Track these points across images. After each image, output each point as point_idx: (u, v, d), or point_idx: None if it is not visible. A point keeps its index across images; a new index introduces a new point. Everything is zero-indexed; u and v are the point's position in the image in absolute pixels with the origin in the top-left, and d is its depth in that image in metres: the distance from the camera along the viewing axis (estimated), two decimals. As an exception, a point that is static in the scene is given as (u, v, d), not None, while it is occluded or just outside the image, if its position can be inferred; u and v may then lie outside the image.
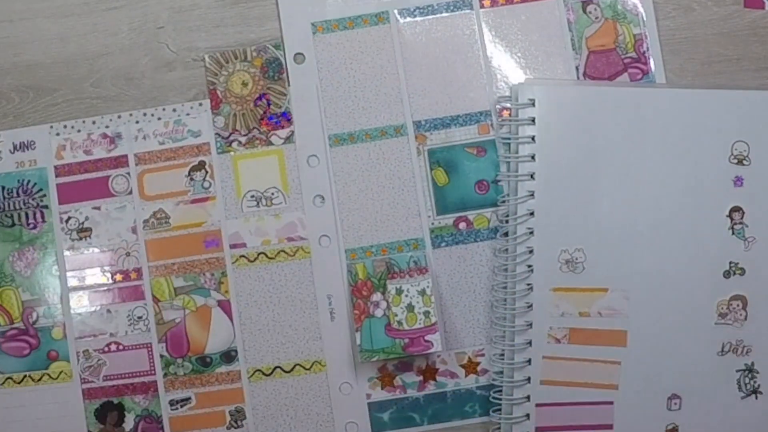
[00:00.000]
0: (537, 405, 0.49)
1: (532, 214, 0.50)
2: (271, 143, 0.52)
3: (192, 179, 0.52)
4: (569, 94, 0.50)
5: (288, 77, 0.51)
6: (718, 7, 0.52)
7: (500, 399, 0.49)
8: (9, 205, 0.51)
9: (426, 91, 0.52)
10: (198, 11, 0.51)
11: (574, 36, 0.51)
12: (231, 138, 0.52)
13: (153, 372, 0.52)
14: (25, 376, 0.52)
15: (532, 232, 0.50)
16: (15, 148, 0.51)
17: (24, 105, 0.51)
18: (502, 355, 0.50)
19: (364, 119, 0.52)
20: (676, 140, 0.50)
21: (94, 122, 0.51)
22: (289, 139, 0.52)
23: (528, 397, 0.50)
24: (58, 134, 0.51)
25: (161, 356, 0.52)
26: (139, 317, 0.52)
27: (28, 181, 0.51)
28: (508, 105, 0.50)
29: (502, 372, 0.50)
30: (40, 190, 0.51)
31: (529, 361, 0.49)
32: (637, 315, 0.49)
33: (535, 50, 0.52)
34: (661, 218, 0.50)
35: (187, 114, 0.51)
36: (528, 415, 0.50)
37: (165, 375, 0.52)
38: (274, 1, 0.51)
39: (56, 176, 0.51)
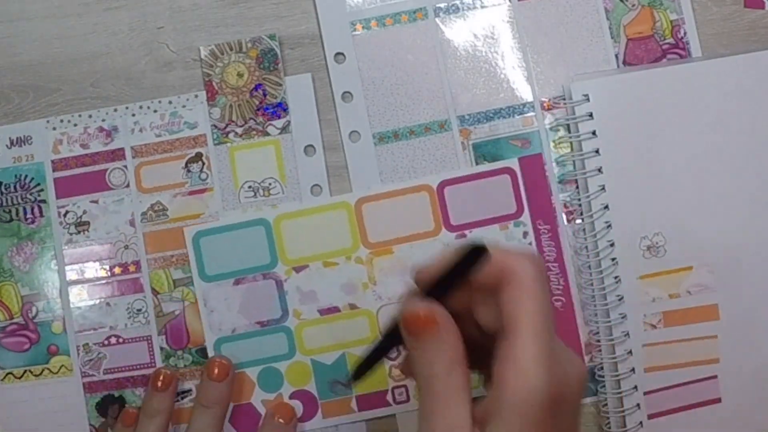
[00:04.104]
0: (645, 393, 0.53)
1: (606, 207, 0.52)
2: (267, 134, 0.54)
3: (189, 171, 0.54)
4: (620, 83, 0.53)
5: (284, 68, 0.54)
6: (718, 7, 0.55)
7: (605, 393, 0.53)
8: (7, 200, 0.55)
9: (468, 85, 0.54)
10: (198, 11, 0.55)
11: (612, 24, 0.55)
12: (227, 129, 0.54)
13: (153, 364, 0.54)
14: (25, 371, 0.54)
15: (609, 226, 0.52)
16: (12, 143, 0.55)
17: (24, 105, 0.54)
18: (599, 350, 0.53)
19: (407, 116, 0.54)
20: (735, 109, 0.53)
21: (90, 116, 0.55)
22: (285, 129, 0.54)
23: (635, 387, 0.53)
24: (54, 128, 0.55)
25: (161, 348, 0.54)
26: (139, 310, 0.54)
27: (26, 176, 0.55)
28: (563, 103, 0.54)
29: (602, 367, 0.53)
30: (38, 184, 0.54)
31: (630, 351, 0.53)
32: (725, 287, 0.53)
33: (574, 40, 0.55)
34: (732, 189, 0.52)
35: (183, 106, 0.54)
36: (638, 405, 0.53)
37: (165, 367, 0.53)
38: (274, 1, 0.55)
39: (53, 171, 0.55)
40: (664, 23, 0.54)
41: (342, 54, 0.54)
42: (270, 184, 0.54)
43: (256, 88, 0.54)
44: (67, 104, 0.54)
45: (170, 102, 0.54)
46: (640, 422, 0.52)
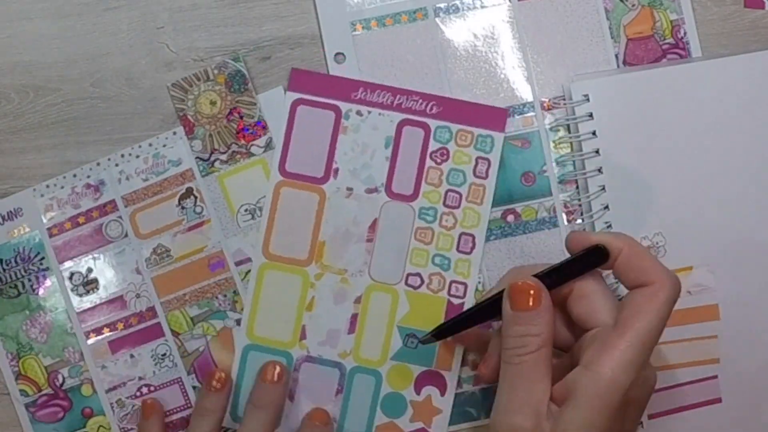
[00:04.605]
0: None
1: (606, 207, 0.53)
2: (252, 154, 0.55)
3: (183, 208, 0.55)
4: (620, 83, 0.53)
5: (254, 87, 0.55)
6: (718, 7, 0.55)
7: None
8: (10, 276, 0.55)
9: (468, 85, 0.55)
10: (198, 11, 0.55)
11: (612, 24, 0.55)
12: (212, 158, 0.55)
13: (189, 405, 0.55)
14: None
15: (610, 226, 0.53)
16: (3, 218, 0.55)
17: (24, 105, 0.55)
18: None
19: None
20: (735, 109, 0.53)
21: (74, 175, 0.55)
22: (268, 146, 0.55)
23: None
24: (42, 195, 0.55)
25: (194, 387, 0.54)
26: (163, 354, 0.54)
27: (24, 248, 0.55)
28: (563, 103, 0.54)
29: None
30: (38, 254, 0.55)
31: None
32: (726, 287, 0.53)
33: (574, 40, 0.55)
34: (734, 189, 0.53)
35: (164, 145, 0.55)
36: None
37: (202, 405, 0.55)
38: (274, 1, 0.55)
39: (50, 237, 0.55)
40: (664, 23, 0.55)
41: (342, 54, 0.54)
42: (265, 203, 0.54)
43: (231, 113, 0.54)
44: (68, 104, 0.55)
45: (150, 144, 0.55)
46: (641, 422, 0.53)
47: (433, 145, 0.53)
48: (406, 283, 0.53)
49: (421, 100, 0.53)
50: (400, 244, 0.53)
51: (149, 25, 0.54)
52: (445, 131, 0.53)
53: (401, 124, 0.53)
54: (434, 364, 0.53)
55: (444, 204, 0.53)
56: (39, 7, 0.55)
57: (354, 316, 0.53)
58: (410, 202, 0.53)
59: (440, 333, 0.49)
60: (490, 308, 0.46)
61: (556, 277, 0.45)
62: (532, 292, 0.43)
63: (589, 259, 0.44)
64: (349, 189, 0.53)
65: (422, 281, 0.53)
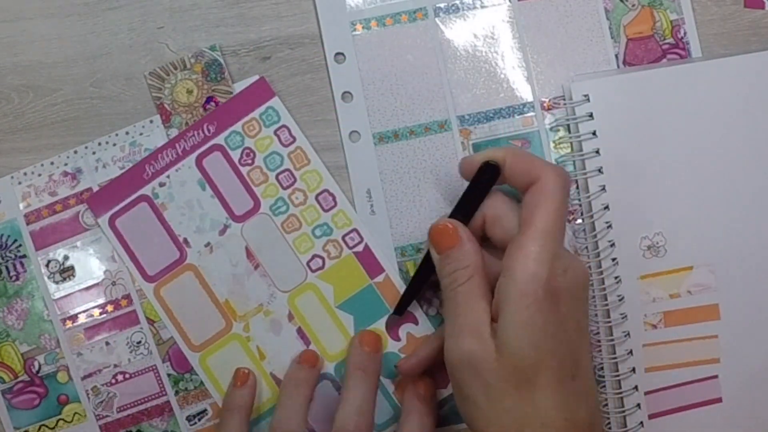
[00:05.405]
0: (646, 393, 0.54)
1: (606, 207, 0.53)
2: None
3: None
4: (620, 83, 0.54)
5: (230, 76, 0.55)
6: (718, 7, 0.56)
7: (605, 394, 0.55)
8: None
9: (468, 85, 0.55)
10: (198, 11, 0.55)
11: (612, 24, 0.55)
12: None
13: (164, 393, 0.55)
14: (40, 426, 0.55)
15: (610, 226, 0.53)
16: None
17: (24, 105, 0.55)
18: (600, 351, 0.54)
19: (407, 116, 0.55)
20: (735, 109, 0.53)
21: (52, 163, 0.55)
22: None
23: (636, 387, 0.54)
24: (20, 183, 0.55)
25: (168, 375, 0.54)
26: (138, 342, 0.54)
27: (1, 235, 0.55)
28: (563, 103, 0.54)
29: (603, 367, 0.54)
30: (15, 240, 0.55)
31: (631, 351, 0.53)
32: (726, 287, 0.53)
33: (574, 40, 0.55)
34: (733, 189, 0.53)
35: (140, 134, 0.55)
36: (639, 405, 0.54)
37: (176, 393, 0.55)
38: (274, 1, 0.55)
39: (27, 224, 0.55)
40: (664, 23, 0.55)
41: (342, 54, 0.55)
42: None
43: (207, 101, 0.55)
44: (67, 104, 0.55)
45: (127, 132, 0.55)
46: (641, 422, 0.53)
47: (235, 155, 0.54)
48: (313, 270, 0.54)
49: (194, 132, 0.54)
50: (281, 248, 0.54)
51: (149, 25, 0.55)
52: (234, 136, 0.54)
53: (199, 162, 0.54)
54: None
55: (283, 188, 0.54)
56: (39, 7, 0.55)
57: (299, 331, 0.54)
58: (258, 210, 0.54)
59: (399, 308, 0.52)
60: (428, 265, 0.49)
61: (465, 209, 0.48)
62: (450, 228, 0.46)
63: (485, 177, 0.47)
64: (207, 244, 0.54)
65: (322, 258, 0.54)
